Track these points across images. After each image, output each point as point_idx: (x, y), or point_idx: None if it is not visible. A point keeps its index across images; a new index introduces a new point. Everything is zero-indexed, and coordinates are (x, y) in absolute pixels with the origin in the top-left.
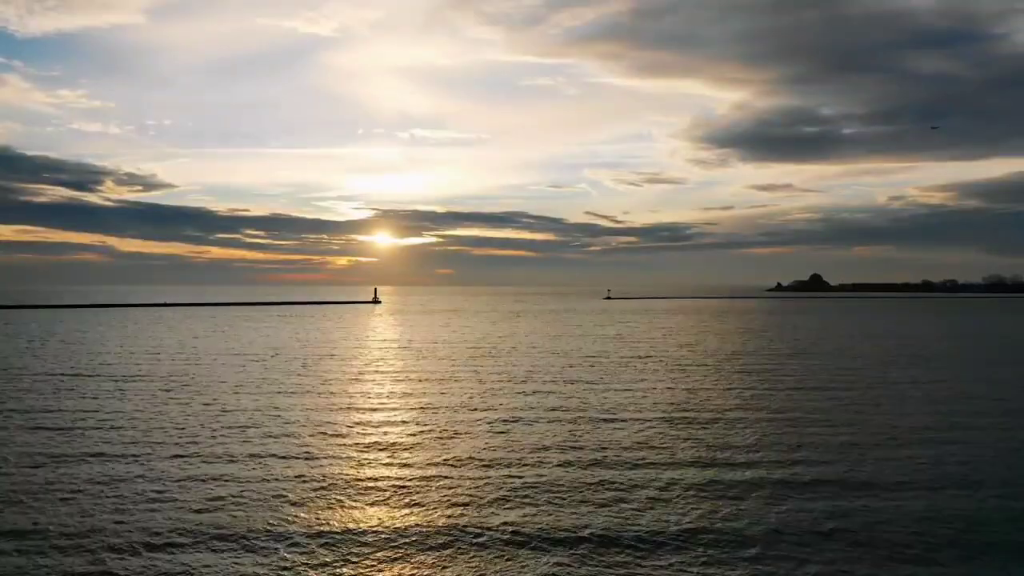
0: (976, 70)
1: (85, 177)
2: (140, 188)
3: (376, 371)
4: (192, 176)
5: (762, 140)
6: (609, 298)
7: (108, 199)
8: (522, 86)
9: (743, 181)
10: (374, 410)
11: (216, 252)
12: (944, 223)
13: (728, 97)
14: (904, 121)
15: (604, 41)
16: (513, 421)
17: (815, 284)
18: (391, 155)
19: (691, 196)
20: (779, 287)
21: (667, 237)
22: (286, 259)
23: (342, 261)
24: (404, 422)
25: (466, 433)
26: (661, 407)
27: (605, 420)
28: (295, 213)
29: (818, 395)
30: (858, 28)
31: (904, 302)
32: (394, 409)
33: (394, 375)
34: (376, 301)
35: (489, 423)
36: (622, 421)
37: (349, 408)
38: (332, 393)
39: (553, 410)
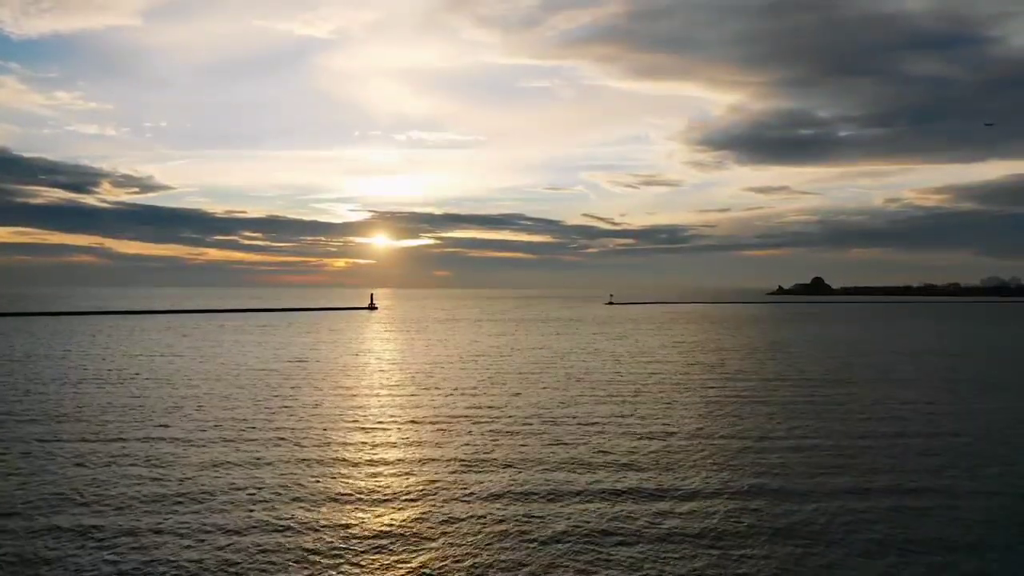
0: (972, 72)
1: (82, 179)
2: (137, 190)
3: (358, 414)
4: (189, 178)
5: (758, 142)
6: (611, 303)
7: (105, 201)
8: (519, 88)
9: (740, 183)
10: (345, 469)
11: (213, 254)
12: (940, 225)
13: (724, 99)
14: (900, 123)
15: (600, 43)
16: (530, 491)
17: (817, 287)
18: (388, 157)
19: (688, 198)
20: (780, 290)
21: (664, 239)
22: (284, 261)
23: (340, 263)
24: (389, 485)
25: (465, 494)
26: (723, 472)
27: (653, 496)
28: (292, 215)
29: (902, 448)
30: (854, 31)
31: (913, 307)
32: (376, 471)
33: (381, 418)
34: (372, 307)
35: (495, 487)
36: (669, 491)
37: (311, 473)
38: (293, 447)
39: (580, 471)
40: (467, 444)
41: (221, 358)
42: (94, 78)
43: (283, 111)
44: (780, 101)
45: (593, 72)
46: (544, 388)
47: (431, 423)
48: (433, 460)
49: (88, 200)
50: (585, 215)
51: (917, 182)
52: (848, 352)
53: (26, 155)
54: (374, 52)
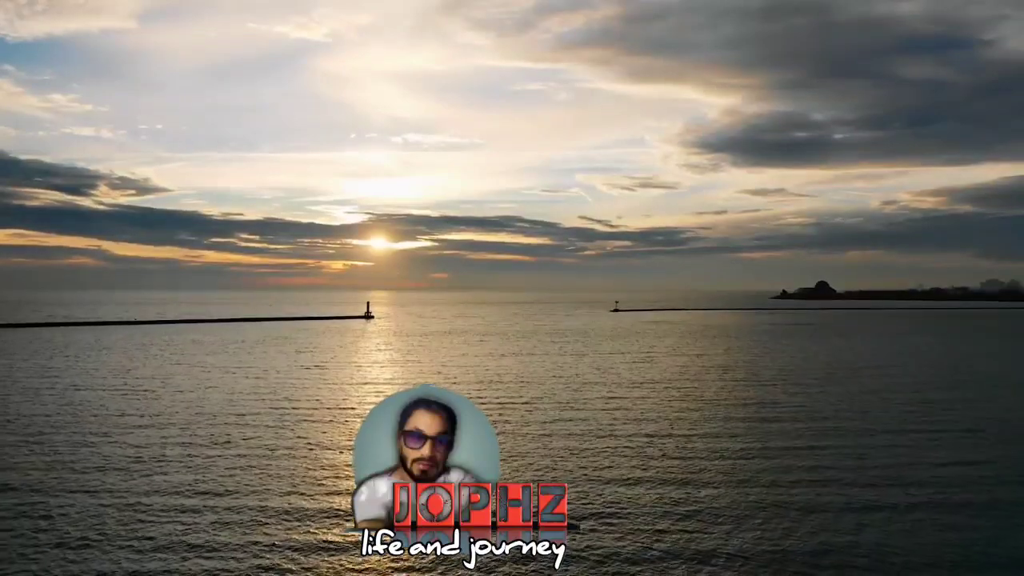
0: (966, 75)
1: (78, 181)
2: (133, 192)
3: (332, 490)
4: (186, 180)
5: (754, 145)
6: (617, 310)
7: (101, 203)
8: (514, 91)
9: (736, 186)
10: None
11: (210, 256)
12: (937, 228)
13: (719, 102)
14: (895, 126)
15: (594, 47)
16: None
17: (822, 291)
18: (384, 159)
19: (684, 200)
20: (784, 294)
21: (662, 241)
22: (281, 263)
23: (337, 265)
24: None
25: None
26: None
27: None
28: (289, 217)
29: None
30: (848, 34)
31: (930, 313)
32: None
33: None
34: (368, 316)
35: None
36: None
37: None
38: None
39: None
40: None
41: (171, 399)
42: (89, 80)
43: (279, 113)
44: (775, 104)
45: (588, 75)
46: (573, 447)
47: None
48: None
49: (85, 202)
50: (582, 217)
51: (913, 184)
52: (933, 377)
53: (22, 157)
54: (369, 55)
